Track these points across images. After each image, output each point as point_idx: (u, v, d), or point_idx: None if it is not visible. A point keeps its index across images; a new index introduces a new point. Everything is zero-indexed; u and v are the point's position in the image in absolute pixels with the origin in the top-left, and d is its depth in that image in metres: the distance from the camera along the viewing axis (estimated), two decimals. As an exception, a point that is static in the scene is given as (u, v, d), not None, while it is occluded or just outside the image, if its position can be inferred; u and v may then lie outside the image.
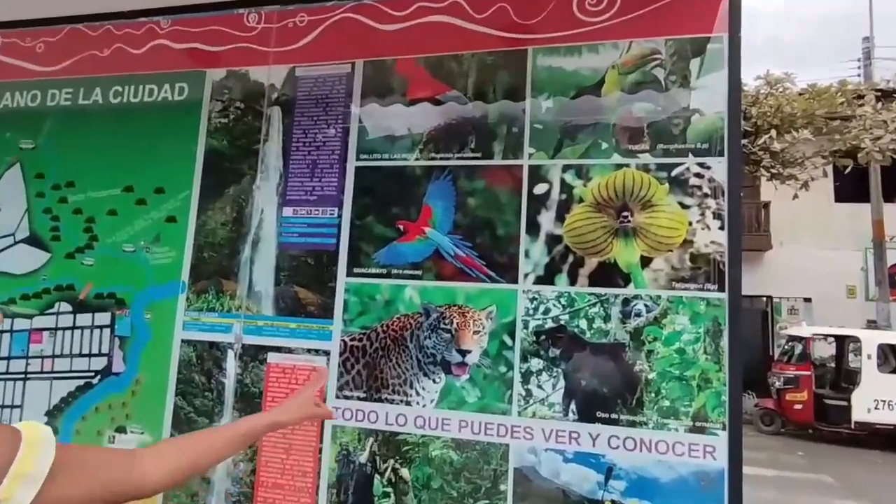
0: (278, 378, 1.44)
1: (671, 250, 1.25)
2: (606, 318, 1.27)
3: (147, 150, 1.63)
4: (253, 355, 1.47)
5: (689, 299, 1.23)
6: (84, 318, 1.60)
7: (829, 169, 10.15)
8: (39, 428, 0.76)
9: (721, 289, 1.21)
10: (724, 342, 1.20)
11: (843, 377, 8.80)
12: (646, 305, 1.25)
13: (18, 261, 1.69)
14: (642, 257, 1.26)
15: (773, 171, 9.77)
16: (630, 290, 1.26)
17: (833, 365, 9.25)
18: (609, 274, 1.28)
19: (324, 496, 1.37)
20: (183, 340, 1.52)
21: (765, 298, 11.12)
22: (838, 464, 7.10)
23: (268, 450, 1.41)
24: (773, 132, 9.42)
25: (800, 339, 8.66)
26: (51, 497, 0.74)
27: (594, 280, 1.28)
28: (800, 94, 9.77)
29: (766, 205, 11.17)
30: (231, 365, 1.48)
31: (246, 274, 1.50)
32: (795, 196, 9.82)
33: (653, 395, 1.22)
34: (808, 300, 11.07)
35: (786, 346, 9.08)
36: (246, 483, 1.42)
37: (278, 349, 1.45)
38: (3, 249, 1.72)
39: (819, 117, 9.40)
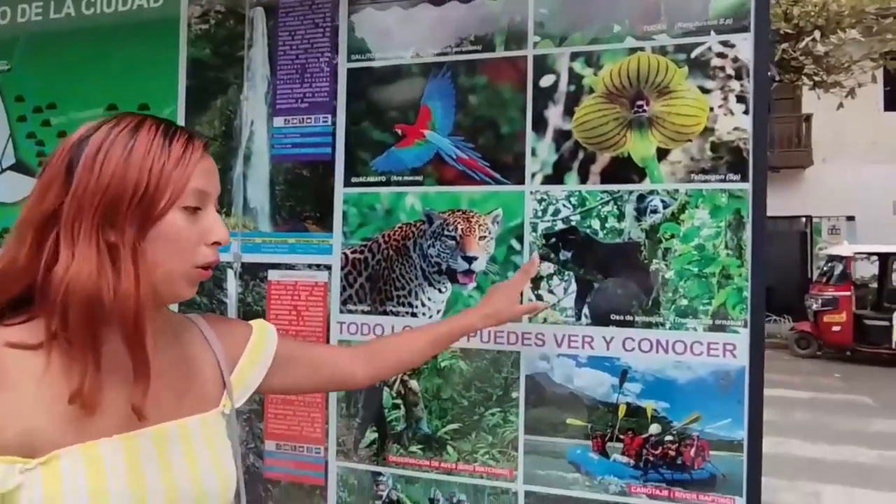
0: (280, 295, 1.39)
1: (690, 140, 1.15)
2: (620, 217, 1.19)
3: (127, 64, 1.53)
4: (253, 273, 1.42)
5: (709, 192, 1.14)
6: (80, 244, 1.55)
7: (879, 74, 9.25)
8: (266, 324, 0.92)
9: (744, 178, 1.12)
10: (747, 235, 1.12)
11: (885, 297, 8.63)
12: (662, 201, 1.17)
13: (8, 189, 1.64)
14: (659, 149, 1.17)
15: (816, 78, 8.84)
16: (645, 186, 1.17)
17: (875, 285, 9.06)
18: (623, 169, 1.19)
19: (333, 410, 1.35)
20: (181, 262, 1.47)
21: (804, 219, 10.81)
22: (877, 385, 7.06)
23: (274, 367, 1.39)
24: (817, 34, 8.36)
25: (840, 258, 8.48)
26: (283, 382, 0.91)
27: (607, 177, 1.20)
28: (848, -11, 8.78)
29: (808, 118, 10.54)
30: (232, 284, 1.43)
31: (240, 190, 1.43)
32: (840, 106, 8.83)
33: (670, 294, 1.16)
34: (850, 219, 10.75)
35: (825, 267, 8.90)
36: (256, 400, 1.41)
37: (278, 266, 1.40)
38: (-9, 178, 1.66)
39: (869, 15, 8.32)
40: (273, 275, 1.40)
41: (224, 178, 1.44)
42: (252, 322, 0.91)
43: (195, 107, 1.47)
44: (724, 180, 1.13)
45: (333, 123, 1.37)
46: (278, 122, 1.41)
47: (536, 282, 1.23)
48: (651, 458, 1.16)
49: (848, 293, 8.18)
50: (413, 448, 1.30)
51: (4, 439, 0.63)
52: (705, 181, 1.14)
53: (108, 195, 0.66)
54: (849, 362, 8.10)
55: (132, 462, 0.68)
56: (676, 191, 1.16)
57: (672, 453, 1.15)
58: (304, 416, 1.37)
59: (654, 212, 1.17)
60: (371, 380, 1.03)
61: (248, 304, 1.42)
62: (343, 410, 1.35)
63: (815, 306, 8.38)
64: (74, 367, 0.65)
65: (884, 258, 8.73)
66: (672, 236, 1.16)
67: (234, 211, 1.44)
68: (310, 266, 1.38)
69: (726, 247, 1.13)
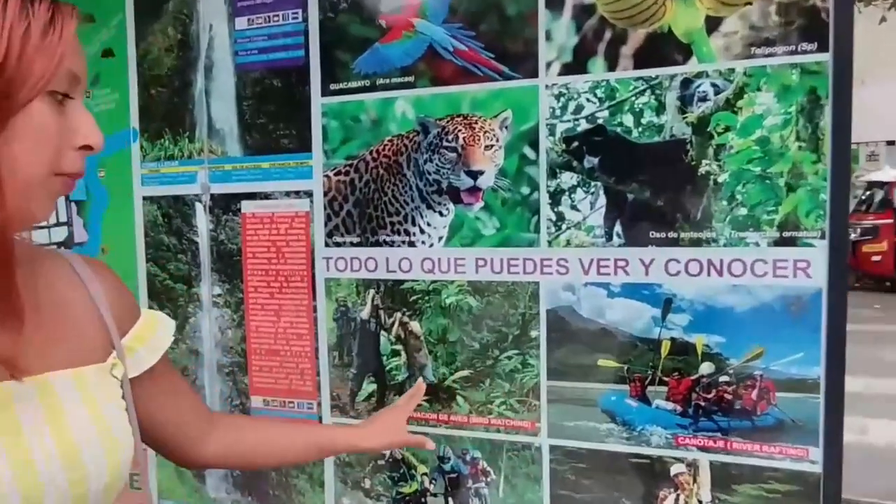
0: (257, 230, 1.19)
1: (750, 2, 0.89)
2: (659, 109, 0.95)
3: (66, -32, 1.30)
4: (224, 206, 1.22)
5: (775, 68, 0.89)
6: (34, 185, 1.37)
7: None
8: (162, 315, 0.74)
9: (822, 48, 0.87)
10: (826, 121, 0.87)
11: (928, 223, 8.21)
12: (714, 85, 0.92)
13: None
14: (708, 19, 0.91)
15: (856, -12, 8.25)
16: (692, 67, 0.93)
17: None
18: (662, 48, 0.94)
19: (325, 359, 1.17)
20: (144, 198, 1.28)
21: (840, 145, 10.33)
22: (919, 315, 6.76)
23: (255, 312, 1.20)
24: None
25: (881, 184, 8.04)
26: (147, 397, 0.68)
27: (641, 60, 0.95)
28: None
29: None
30: (202, 220, 1.24)
31: (202, 109, 1.22)
32: (883, 19, 8.29)
33: (724, 202, 0.92)
34: (891, 143, 10.19)
35: (863, 195, 8.46)
36: (238, 352, 1.23)
37: (252, 196, 1.19)
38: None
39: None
40: (247, 206, 1.20)
41: (184, 95, 1.22)
42: (143, 310, 0.72)
43: (145, 14, 1.25)
44: (794, 51, 0.88)
45: (305, 19, 1.13)
46: (241, 22, 1.18)
47: (556, 196, 1.00)
48: (702, 404, 0.95)
49: (889, 220, 7.77)
50: (418, 399, 1.11)
51: None
52: (770, 55, 0.89)
53: None
54: (888, 293, 7.75)
55: None
56: (732, 70, 0.91)
57: (728, 397, 0.94)
58: (293, 368, 1.19)
59: (704, 99, 0.93)
60: (219, 457, 0.80)
61: (221, 243, 1.23)
62: (335, 360, 1.16)
63: (852, 235, 8.01)
64: None
65: (928, 183, 8.26)
66: (727, 129, 0.92)
67: (197, 135, 1.22)
68: (288, 194, 1.17)
69: (798, 138, 0.89)
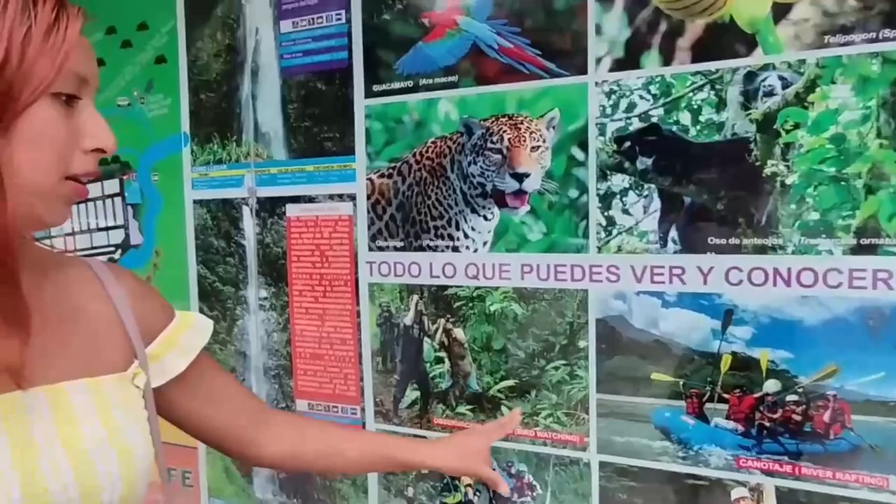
0: (301, 233, 1.19)
1: (823, -14, 0.81)
2: (720, 105, 0.88)
3: (122, -22, 1.34)
4: (270, 210, 1.22)
5: (852, 58, 0.81)
6: (94, 189, 1.41)
7: None
8: (198, 315, 0.72)
9: (908, 33, 0.78)
10: (912, 116, 0.79)
11: None
12: (781, 78, 0.84)
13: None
14: (775, 6, 0.84)
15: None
16: (756, 59, 0.85)
17: None
18: (723, 40, 0.87)
19: (368, 365, 1.15)
20: (195, 201, 1.30)
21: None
22: None
23: (300, 316, 1.20)
24: None
25: None
26: (181, 400, 0.68)
27: (700, 52, 0.88)
28: None
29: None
30: (249, 223, 1.25)
31: (249, 113, 1.22)
32: None
33: (793, 206, 0.85)
34: None
35: None
36: (283, 355, 1.23)
37: (297, 199, 1.19)
38: None
39: None
40: (292, 209, 1.20)
41: (231, 99, 1.23)
42: (178, 312, 0.71)
43: (196, 19, 1.26)
44: (875, 39, 0.79)
45: (348, 20, 1.11)
46: (286, 25, 1.17)
47: (606, 200, 0.95)
48: (767, 424, 0.88)
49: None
50: (461, 409, 1.08)
51: None
52: (846, 43, 0.81)
53: None
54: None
55: None
56: (802, 62, 0.83)
57: (797, 418, 0.86)
58: (337, 373, 1.18)
59: (770, 94, 0.85)
60: (279, 463, 0.78)
61: (267, 246, 1.23)
62: (379, 365, 1.15)
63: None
64: None
65: None
66: (796, 126, 0.84)
67: (244, 139, 1.23)
68: (331, 197, 1.16)
69: (879, 135, 0.80)
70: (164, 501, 0.71)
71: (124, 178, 1.38)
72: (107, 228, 1.41)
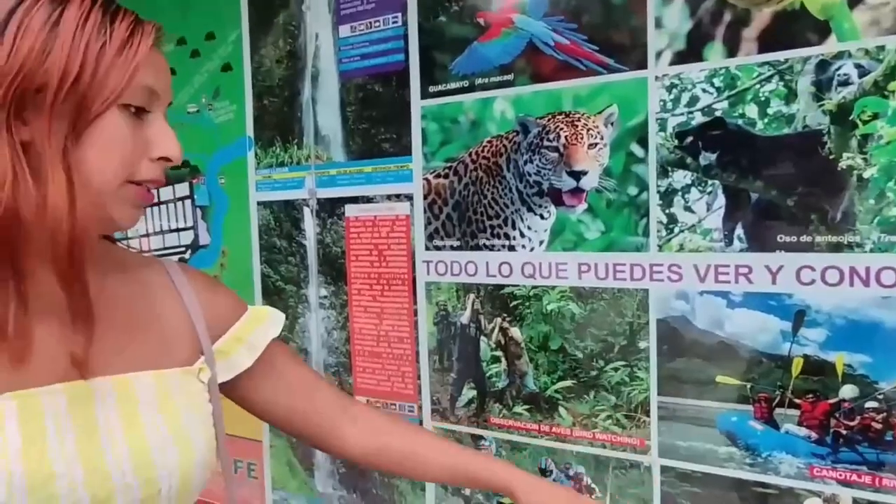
0: (360, 233, 1.21)
1: (905, -34, 0.76)
2: (789, 97, 0.84)
3: (191, -9, 1.40)
4: (330, 210, 1.25)
5: (938, 42, 0.75)
6: (166, 192, 1.49)
7: None
8: (270, 309, 0.76)
9: None
10: None
11: None
12: (858, 66, 0.80)
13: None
14: (850, -10, 0.79)
15: None
16: (830, 47, 0.81)
17: None
18: (793, 28, 0.83)
19: (425, 363, 1.16)
20: (258, 203, 1.35)
21: None
22: None
23: (358, 314, 1.23)
24: None
25: None
26: (257, 389, 0.72)
27: (767, 42, 0.85)
28: None
29: None
30: (309, 224, 1.28)
31: (310, 117, 1.26)
32: None
33: (871, 202, 0.80)
34: None
35: None
36: (342, 352, 1.26)
37: (355, 199, 1.22)
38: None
39: None
40: (350, 210, 1.22)
41: (293, 104, 1.27)
42: (251, 306, 0.74)
43: (259, 28, 1.31)
44: (964, 21, 0.74)
45: (405, 23, 1.13)
46: (344, 30, 1.20)
47: (667, 197, 0.92)
48: (843, 432, 0.83)
49: None
50: (518, 409, 1.07)
51: None
52: (931, 27, 0.76)
53: (24, 80, 0.49)
54: None
55: (31, 428, 0.52)
56: (882, 48, 0.78)
57: (877, 425, 0.81)
58: (394, 370, 1.20)
59: (845, 83, 0.81)
60: (362, 459, 0.77)
61: (326, 246, 1.26)
62: (436, 364, 1.16)
63: None
64: None
65: None
66: (874, 116, 0.79)
67: (305, 142, 1.27)
68: (389, 197, 1.18)
69: (968, 123, 0.75)
70: (228, 494, 0.73)
71: (194, 181, 1.44)
72: (178, 230, 1.48)
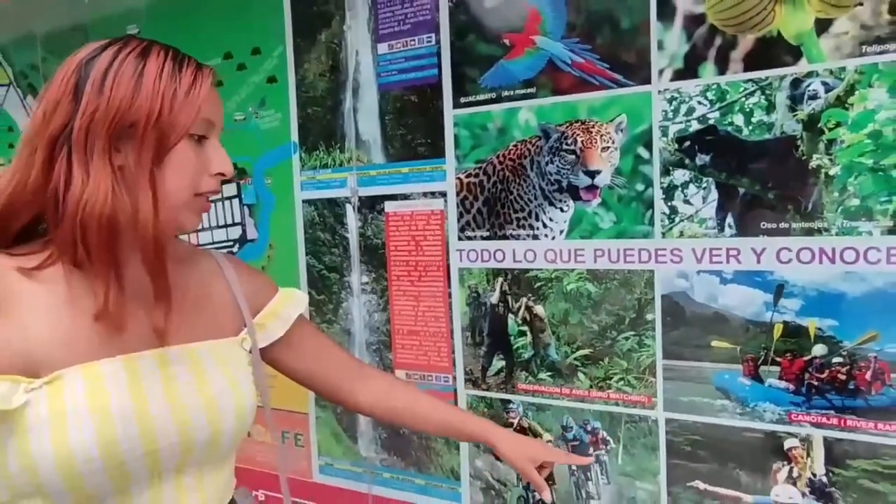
0: (398, 226, 1.38)
1: (861, 3, 0.94)
2: (769, 108, 1.02)
3: (236, 10, 1.56)
4: (370, 206, 1.42)
5: (887, 65, 0.93)
6: (214, 192, 1.64)
7: None
8: (295, 290, 0.94)
9: (937, 42, 0.90)
10: (941, 113, 0.91)
11: None
12: (824, 83, 0.98)
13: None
14: (818, 21, 0.97)
15: None
16: (801, 67, 0.99)
17: None
18: (771, 52, 1.01)
19: (459, 339, 1.34)
20: (304, 201, 1.51)
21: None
22: None
23: (397, 297, 1.40)
24: None
25: None
26: (288, 356, 0.91)
27: (751, 63, 1.02)
28: None
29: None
30: (351, 219, 1.45)
31: (351, 124, 1.42)
32: None
33: (836, 194, 0.98)
34: None
35: None
36: (383, 332, 1.43)
37: (394, 197, 1.38)
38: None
39: None
40: (389, 206, 1.39)
41: (335, 113, 1.43)
42: (281, 289, 0.94)
43: (302, 44, 1.47)
44: (908, 48, 0.92)
45: (437, 42, 1.29)
46: (382, 48, 1.36)
47: (669, 192, 1.10)
48: (815, 383, 1.02)
49: None
50: (542, 375, 1.25)
51: (8, 359, 0.64)
52: (882, 51, 0.93)
53: (119, 119, 0.66)
54: None
55: (133, 380, 0.69)
56: (843, 69, 0.96)
57: (842, 377, 1.00)
58: (431, 346, 1.37)
59: (814, 97, 0.98)
60: (369, 411, 0.99)
61: (368, 238, 1.43)
62: (468, 339, 1.33)
63: None
64: (98, 286, 0.67)
65: None
66: (838, 124, 0.97)
67: (347, 146, 1.43)
68: (425, 194, 1.34)
69: (912, 130, 0.93)
70: (279, 456, 0.94)
71: (241, 182, 1.60)
72: (226, 225, 1.64)
